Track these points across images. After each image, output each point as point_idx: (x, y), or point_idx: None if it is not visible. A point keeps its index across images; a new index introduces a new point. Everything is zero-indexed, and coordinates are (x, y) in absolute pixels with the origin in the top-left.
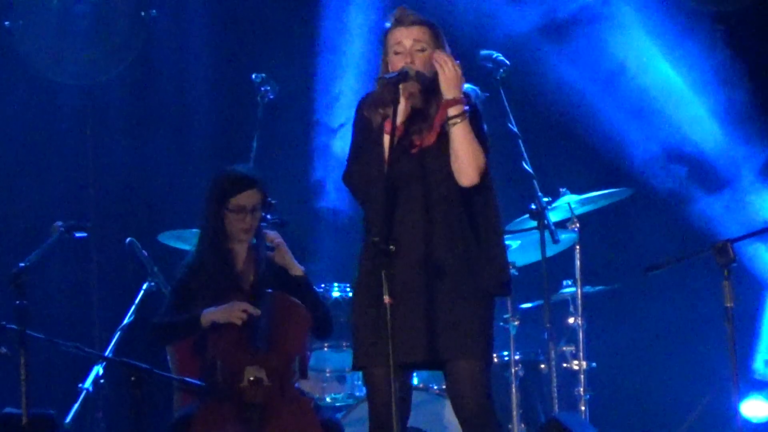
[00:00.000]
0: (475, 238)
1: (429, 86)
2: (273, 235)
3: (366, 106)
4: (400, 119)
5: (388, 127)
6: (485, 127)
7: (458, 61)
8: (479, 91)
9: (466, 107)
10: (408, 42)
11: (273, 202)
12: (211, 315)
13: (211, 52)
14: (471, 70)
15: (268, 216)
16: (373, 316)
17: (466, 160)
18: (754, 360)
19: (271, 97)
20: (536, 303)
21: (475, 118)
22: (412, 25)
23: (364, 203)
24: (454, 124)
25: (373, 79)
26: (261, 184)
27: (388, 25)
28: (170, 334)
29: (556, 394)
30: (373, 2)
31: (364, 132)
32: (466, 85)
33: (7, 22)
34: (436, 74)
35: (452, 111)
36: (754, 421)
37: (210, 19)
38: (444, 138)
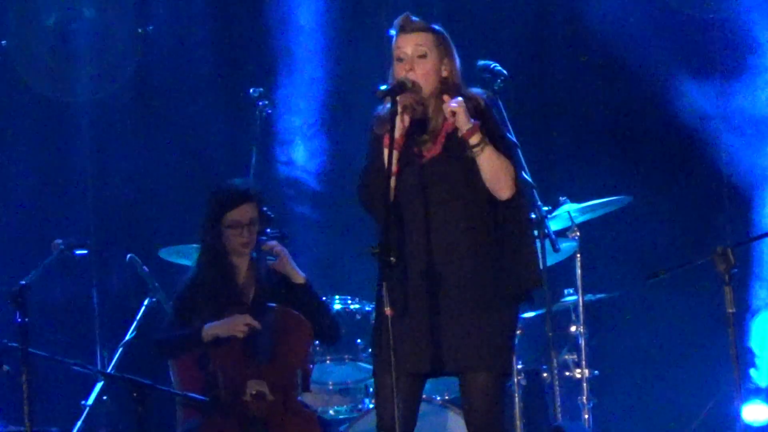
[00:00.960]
0: (498, 245)
1: (430, 97)
2: (273, 244)
3: (375, 122)
4: (398, 132)
5: (386, 141)
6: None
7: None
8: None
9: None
10: (409, 49)
11: (271, 215)
12: (213, 329)
13: (209, 68)
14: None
15: (268, 230)
16: (380, 327)
17: (498, 181)
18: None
19: (269, 111)
20: (538, 312)
21: (493, 127)
22: (414, 32)
23: (373, 216)
24: (478, 153)
25: (372, 92)
26: (257, 198)
27: (392, 32)
28: (173, 348)
29: (559, 403)
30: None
31: (374, 148)
32: (477, 90)
33: (3, 42)
34: (439, 84)
35: (473, 140)
36: (755, 425)
37: (208, 34)
38: (450, 146)
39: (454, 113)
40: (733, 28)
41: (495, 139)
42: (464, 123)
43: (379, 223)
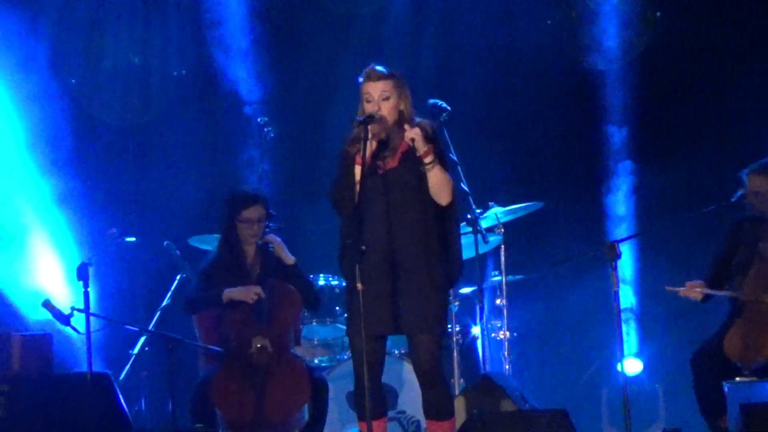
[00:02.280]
0: (436, 239)
1: (390, 126)
2: (271, 237)
3: (347, 142)
4: (368, 153)
5: (359, 159)
6: (450, 147)
7: (422, 123)
8: (431, 122)
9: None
10: (376, 93)
11: (273, 213)
12: (230, 293)
13: (229, 100)
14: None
15: (270, 224)
16: (355, 298)
17: (441, 191)
18: None
19: (272, 135)
20: (472, 289)
21: (439, 150)
22: (379, 80)
23: (342, 215)
24: (429, 169)
25: (350, 121)
26: (264, 201)
27: (360, 80)
28: (199, 305)
29: (487, 357)
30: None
31: (345, 162)
32: (424, 120)
33: (73, 80)
34: (398, 116)
35: (426, 160)
36: (630, 375)
37: (228, 79)
38: (406, 163)
39: (413, 140)
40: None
41: (440, 159)
42: (421, 146)
43: (345, 218)
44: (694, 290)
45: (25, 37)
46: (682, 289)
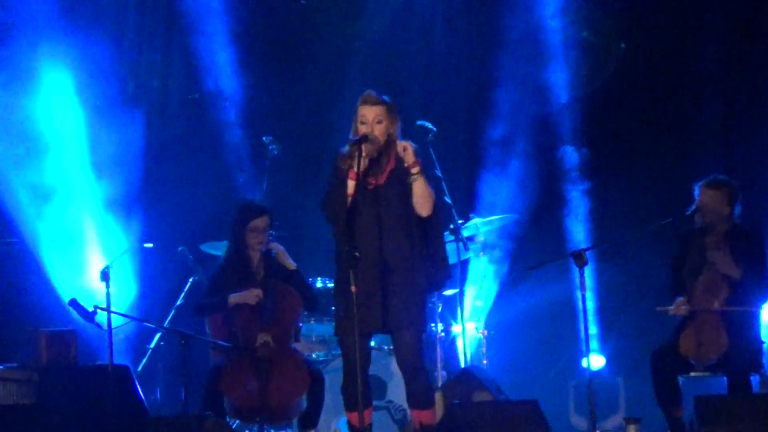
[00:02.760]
0: (419, 247)
1: (381, 146)
2: (275, 245)
3: (339, 159)
4: (360, 169)
5: (352, 174)
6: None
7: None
8: (416, 145)
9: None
10: (370, 116)
11: (277, 223)
12: (235, 298)
13: (239, 121)
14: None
15: (273, 233)
16: (345, 300)
17: (424, 202)
18: None
19: (276, 153)
20: (454, 291)
21: (425, 168)
22: (374, 105)
23: (334, 224)
24: (415, 180)
25: (346, 140)
26: (270, 212)
27: (358, 102)
28: (207, 310)
29: (467, 352)
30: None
31: (337, 176)
32: (408, 141)
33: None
34: (387, 138)
35: (413, 171)
36: (594, 369)
37: (237, 104)
38: (393, 178)
39: (405, 149)
40: None
41: (425, 175)
42: (411, 156)
43: (338, 226)
44: (680, 308)
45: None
46: (670, 308)
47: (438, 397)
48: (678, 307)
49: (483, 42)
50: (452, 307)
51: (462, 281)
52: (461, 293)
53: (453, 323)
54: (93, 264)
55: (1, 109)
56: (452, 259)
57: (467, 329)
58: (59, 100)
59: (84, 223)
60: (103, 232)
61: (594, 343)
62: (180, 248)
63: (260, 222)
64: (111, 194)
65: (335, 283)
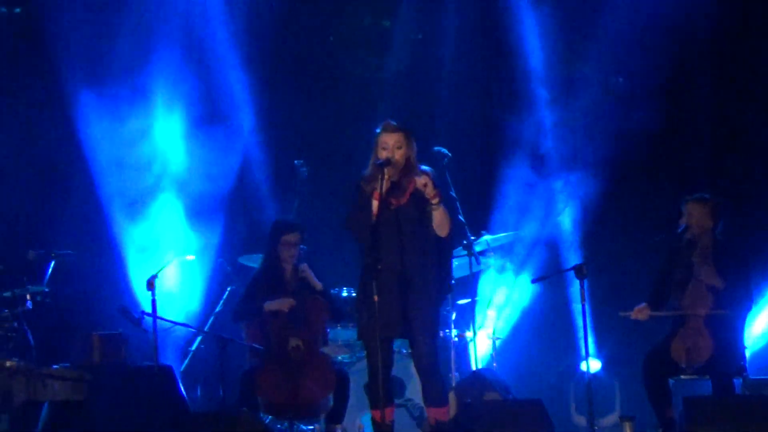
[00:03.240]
0: (434, 262)
1: (402, 170)
2: (303, 266)
3: (363, 181)
4: (382, 190)
5: (376, 195)
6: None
7: (429, 169)
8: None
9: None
10: (391, 142)
11: (306, 237)
12: (270, 305)
13: (271, 151)
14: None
15: (304, 247)
16: (368, 308)
17: (441, 226)
18: None
19: (305, 175)
20: (466, 300)
21: (443, 192)
22: (393, 132)
23: (359, 240)
24: (435, 208)
25: (367, 164)
26: (300, 228)
27: (378, 130)
28: (244, 316)
29: (477, 356)
30: None
31: (362, 197)
32: (427, 168)
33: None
34: (407, 162)
35: (434, 201)
36: (592, 372)
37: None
38: (413, 200)
39: (425, 185)
40: None
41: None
42: (431, 190)
43: (360, 243)
44: (640, 313)
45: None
46: (631, 313)
47: (451, 396)
48: (637, 312)
49: (491, 75)
50: (465, 315)
51: (474, 292)
52: (473, 303)
53: (466, 330)
54: (140, 273)
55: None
56: (466, 272)
57: (479, 335)
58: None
59: (133, 236)
60: (152, 244)
61: (591, 349)
62: (219, 260)
63: (292, 237)
64: (158, 211)
65: (359, 292)
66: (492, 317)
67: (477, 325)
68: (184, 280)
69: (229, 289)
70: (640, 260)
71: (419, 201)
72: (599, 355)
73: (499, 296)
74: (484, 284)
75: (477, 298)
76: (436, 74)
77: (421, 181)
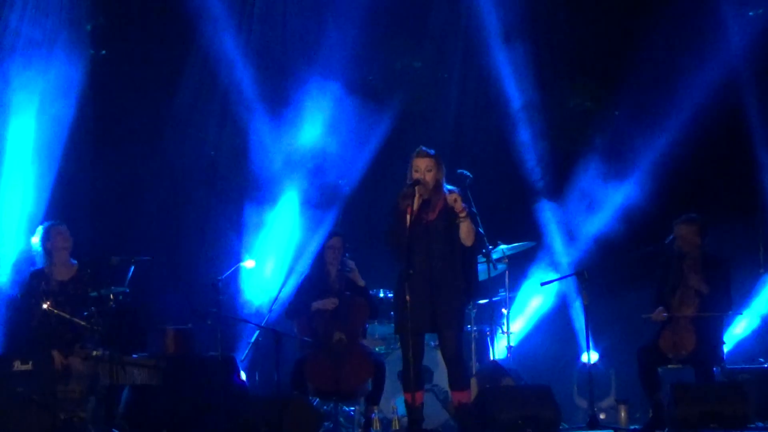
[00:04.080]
0: (461, 268)
1: (432, 190)
2: (351, 263)
3: (399, 198)
4: (415, 207)
5: (409, 211)
6: (471, 202)
7: (456, 189)
8: (458, 189)
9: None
10: (422, 166)
11: (348, 246)
12: (316, 304)
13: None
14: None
15: (348, 254)
16: (402, 306)
17: (468, 238)
18: None
19: (346, 190)
20: (485, 301)
21: (469, 210)
22: (425, 157)
23: (395, 250)
24: (462, 222)
25: (403, 183)
26: (342, 235)
27: (413, 155)
28: (296, 313)
29: (494, 348)
30: None
31: (397, 213)
32: (452, 187)
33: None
34: (436, 183)
35: (462, 215)
36: (591, 362)
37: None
38: (442, 216)
39: (455, 200)
40: None
41: (470, 216)
42: (459, 206)
43: (396, 254)
44: (659, 315)
45: None
46: (653, 315)
47: (473, 382)
48: (658, 314)
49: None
50: (484, 313)
51: (492, 293)
52: (491, 302)
53: (485, 326)
54: (205, 275)
55: None
56: (484, 276)
57: (495, 329)
58: None
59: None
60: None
61: (591, 342)
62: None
63: (335, 242)
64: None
65: (395, 293)
66: (507, 314)
67: (494, 321)
68: (245, 282)
69: (281, 290)
70: (633, 267)
71: (447, 217)
72: (596, 347)
73: (513, 297)
74: (500, 286)
75: (494, 299)
76: (460, 109)
77: (451, 197)
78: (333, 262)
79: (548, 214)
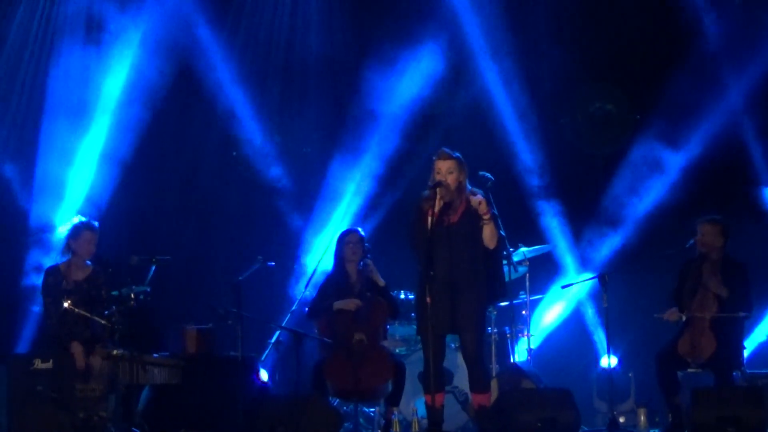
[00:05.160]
0: (482, 270)
1: (453, 192)
2: (369, 262)
3: (422, 201)
4: (436, 209)
5: (430, 212)
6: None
7: (479, 191)
8: (482, 192)
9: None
10: (444, 168)
11: (368, 246)
12: (338, 304)
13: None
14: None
15: (369, 256)
16: (423, 308)
17: (491, 240)
18: None
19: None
20: (506, 303)
21: (492, 213)
22: (446, 159)
23: (417, 252)
24: (486, 224)
25: (426, 186)
26: (359, 232)
27: (434, 157)
28: (317, 314)
29: (514, 350)
30: None
31: (420, 215)
32: (475, 190)
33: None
34: (458, 186)
35: (485, 218)
36: (611, 366)
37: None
38: (463, 219)
39: (480, 203)
40: None
41: (493, 219)
42: (484, 208)
43: (418, 255)
44: (672, 315)
45: None
46: (663, 315)
47: (493, 384)
48: (670, 314)
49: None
50: (505, 314)
51: (512, 295)
52: (512, 304)
53: (505, 328)
54: (229, 276)
55: None
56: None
57: (515, 332)
58: None
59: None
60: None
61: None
62: (295, 266)
63: (353, 237)
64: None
65: (416, 295)
66: (527, 317)
67: (515, 324)
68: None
69: (302, 290)
70: (653, 271)
71: (469, 219)
72: (616, 351)
73: (535, 300)
74: (521, 288)
75: (515, 301)
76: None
77: (476, 200)
78: (352, 258)
79: (564, 219)
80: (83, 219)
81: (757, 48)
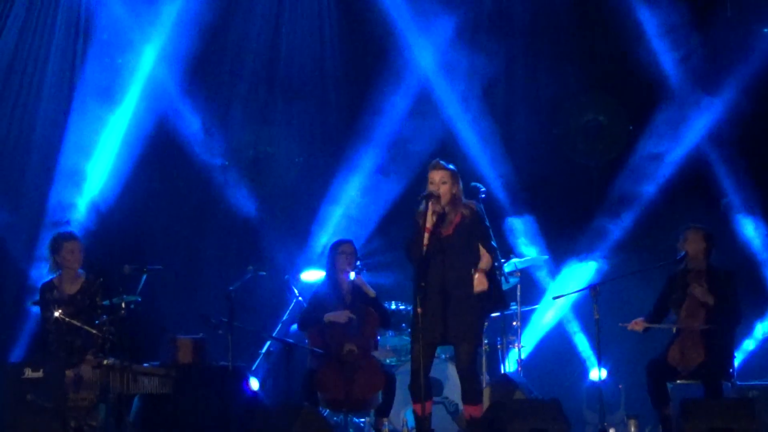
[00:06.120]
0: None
1: (446, 203)
2: (358, 278)
3: (417, 215)
4: (428, 223)
5: (422, 224)
6: (485, 216)
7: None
8: (476, 204)
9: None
10: (437, 178)
11: (359, 257)
12: (329, 316)
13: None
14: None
15: (358, 263)
16: (416, 318)
17: (487, 266)
18: None
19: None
20: (498, 313)
21: (483, 227)
22: (439, 170)
23: (411, 263)
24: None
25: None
26: (352, 242)
27: (429, 167)
28: (308, 325)
29: (505, 362)
30: None
31: (415, 228)
32: (471, 202)
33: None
34: (452, 197)
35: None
36: (601, 377)
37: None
38: (458, 231)
39: (480, 284)
40: None
41: (483, 232)
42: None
43: (414, 266)
44: (636, 325)
45: None
46: (629, 324)
47: (486, 394)
48: (633, 324)
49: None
50: (496, 325)
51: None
52: (503, 315)
53: (496, 339)
54: (220, 285)
55: None
56: None
57: (506, 343)
58: None
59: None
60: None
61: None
62: (286, 276)
63: (347, 247)
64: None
65: (413, 306)
66: (518, 328)
67: (506, 335)
68: (256, 292)
69: (293, 301)
70: (641, 283)
71: (463, 232)
72: (606, 362)
73: (526, 311)
74: (512, 299)
75: (506, 312)
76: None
77: (479, 286)
78: (346, 267)
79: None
80: (60, 231)
81: (742, 63)
